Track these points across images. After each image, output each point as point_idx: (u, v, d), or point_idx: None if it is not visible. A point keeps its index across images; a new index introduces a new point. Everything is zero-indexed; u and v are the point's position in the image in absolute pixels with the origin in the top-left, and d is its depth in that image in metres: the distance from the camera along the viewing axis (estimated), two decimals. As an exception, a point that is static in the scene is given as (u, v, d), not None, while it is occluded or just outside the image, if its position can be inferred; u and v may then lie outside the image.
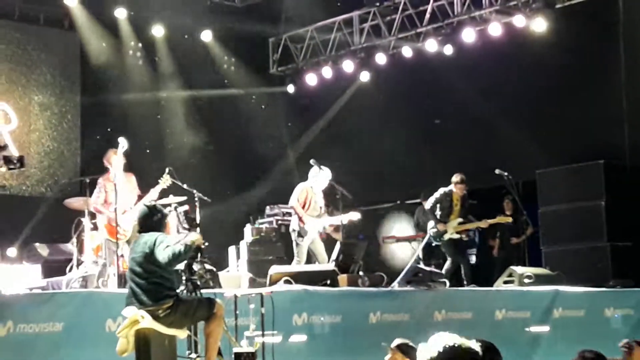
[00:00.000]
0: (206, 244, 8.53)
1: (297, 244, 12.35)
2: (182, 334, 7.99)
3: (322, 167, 12.60)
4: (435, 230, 13.31)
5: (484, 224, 13.54)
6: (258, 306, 8.71)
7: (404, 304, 10.89)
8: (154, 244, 7.80)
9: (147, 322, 7.67)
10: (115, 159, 11.15)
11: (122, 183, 11.08)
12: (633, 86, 14.71)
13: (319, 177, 12.57)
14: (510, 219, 13.66)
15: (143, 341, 7.69)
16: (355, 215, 12.63)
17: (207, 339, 8.05)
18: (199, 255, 8.58)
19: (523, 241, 14.83)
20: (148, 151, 15.93)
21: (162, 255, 7.70)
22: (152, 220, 8.13)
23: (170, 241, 8.00)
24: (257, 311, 8.69)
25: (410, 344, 7.00)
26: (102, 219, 11.18)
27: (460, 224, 13.28)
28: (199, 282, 8.34)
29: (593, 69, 15.05)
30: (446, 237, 13.27)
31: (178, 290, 8.09)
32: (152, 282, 7.81)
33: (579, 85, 15.07)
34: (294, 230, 12.39)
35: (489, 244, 15.72)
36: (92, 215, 11.86)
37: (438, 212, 13.32)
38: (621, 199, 14.35)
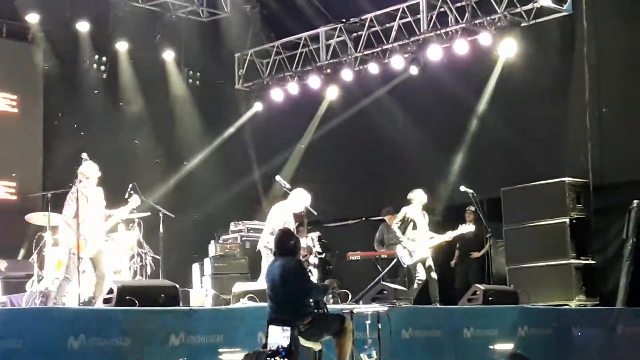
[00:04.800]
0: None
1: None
2: (317, 346, 8.82)
3: (289, 188, 12.48)
4: (403, 251, 13.27)
5: (447, 237, 13.57)
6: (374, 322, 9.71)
7: (371, 322, 10.76)
8: (295, 272, 8.64)
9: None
10: (93, 172, 10.98)
11: (93, 197, 10.93)
12: (597, 105, 14.78)
13: (296, 200, 12.34)
14: (472, 228, 13.61)
15: (286, 352, 8.50)
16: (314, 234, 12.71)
17: (339, 351, 8.78)
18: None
19: (483, 257, 14.85)
20: (111, 166, 15.71)
21: (304, 288, 8.68)
22: (288, 245, 8.87)
23: (308, 274, 9.13)
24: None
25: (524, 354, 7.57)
26: (71, 233, 10.89)
27: (427, 241, 13.27)
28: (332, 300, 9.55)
29: (557, 88, 15.13)
30: (415, 256, 13.25)
31: None
32: (293, 300, 8.61)
33: (543, 103, 15.14)
34: (268, 249, 12.19)
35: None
36: (54, 231, 11.70)
37: (402, 232, 13.30)
38: (585, 217, 14.40)
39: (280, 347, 7.89)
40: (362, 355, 9.46)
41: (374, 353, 9.55)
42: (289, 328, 8.07)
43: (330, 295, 9.35)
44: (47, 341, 8.42)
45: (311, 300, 8.77)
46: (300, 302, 8.65)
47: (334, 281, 9.38)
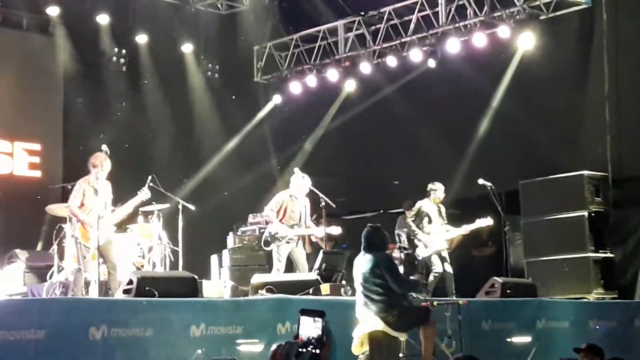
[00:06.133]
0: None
1: (278, 254, 12.25)
2: (403, 336, 9.28)
3: (303, 175, 12.58)
4: (420, 244, 13.25)
5: (463, 230, 13.48)
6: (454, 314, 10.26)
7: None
8: (384, 267, 9.14)
9: (379, 326, 9.06)
10: (105, 163, 11.03)
11: (102, 189, 10.98)
12: (616, 98, 14.76)
13: (300, 185, 12.52)
14: (490, 222, 13.53)
15: (376, 341, 9.11)
16: (335, 230, 12.64)
17: (424, 341, 9.33)
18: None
19: (500, 250, 14.82)
20: (130, 159, 15.80)
21: (395, 283, 9.14)
22: (377, 240, 9.35)
23: (398, 268, 9.75)
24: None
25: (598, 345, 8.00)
26: (75, 222, 10.94)
27: (443, 234, 13.25)
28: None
29: (576, 81, 15.11)
30: (430, 249, 13.23)
31: None
32: (383, 293, 9.11)
33: (562, 96, 15.12)
34: (267, 237, 12.34)
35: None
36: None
37: (419, 226, 13.28)
38: (604, 210, 14.38)
39: (311, 338, 7.90)
40: (442, 344, 9.92)
41: (453, 343, 9.97)
42: (320, 319, 8.13)
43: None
44: (68, 331, 8.49)
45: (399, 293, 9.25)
46: (391, 295, 9.11)
47: (421, 276, 10.07)
